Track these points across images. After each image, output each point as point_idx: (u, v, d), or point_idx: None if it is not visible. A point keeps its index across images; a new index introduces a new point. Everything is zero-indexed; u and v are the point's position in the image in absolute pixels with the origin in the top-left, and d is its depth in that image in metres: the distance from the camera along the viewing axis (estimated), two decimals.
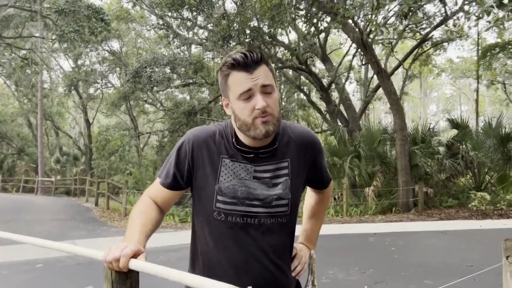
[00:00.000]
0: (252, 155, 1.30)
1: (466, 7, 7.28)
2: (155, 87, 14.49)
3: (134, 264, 1.08)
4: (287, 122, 1.42)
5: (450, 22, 11.19)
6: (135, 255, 1.10)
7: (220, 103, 17.11)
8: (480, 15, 5.58)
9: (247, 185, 1.27)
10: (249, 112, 1.22)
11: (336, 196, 11.97)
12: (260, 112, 1.21)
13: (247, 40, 12.30)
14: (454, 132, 13.44)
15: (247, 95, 1.22)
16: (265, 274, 1.27)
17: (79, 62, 25.82)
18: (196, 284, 0.95)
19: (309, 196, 1.58)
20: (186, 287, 1.36)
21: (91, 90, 26.84)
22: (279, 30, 14.33)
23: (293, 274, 1.38)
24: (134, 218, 1.30)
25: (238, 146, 1.30)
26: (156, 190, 1.38)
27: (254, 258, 1.27)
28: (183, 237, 7.95)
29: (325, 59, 16.37)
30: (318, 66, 22.30)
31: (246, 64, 1.21)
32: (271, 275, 1.28)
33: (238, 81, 1.22)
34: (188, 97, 23.99)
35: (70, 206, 15.21)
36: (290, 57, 16.34)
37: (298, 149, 1.35)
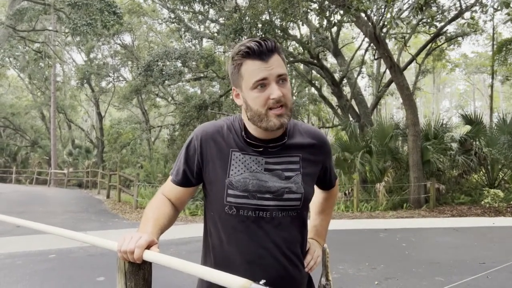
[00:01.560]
0: (261, 149, 1.29)
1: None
2: (166, 81, 14.52)
3: (148, 256, 1.08)
4: (296, 121, 1.41)
5: (466, 15, 11.01)
6: (148, 246, 1.10)
7: (231, 97, 17.13)
8: (499, 7, 5.47)
9: (258, 178, 1.26)
10: (263, 102, 1.20)
11: (347, 192, 11.92)
12: (275, 102, 1.19)
13: (259, 34, 12.25)
14: (468, 128, 13.27)
15: (262, 84, 1.20)
16: (278, 267, 1.26)
17: (92, 55, 26.02)
18: (210, 277, 0.94)
19: (317, 193, 1.56)
20: (199, 280, 1.37)
21: (103, 84, 27.07)
22: (291, 23, 14.25)
23: (307, 269, 1.37)
24: (148, 213, 1.30)
25: (247, 139, 1.29)
26: (169, 187, 1.39)
27: (267, 252, 1.25)
28: (193, 230, 8.00)
29: (337, 54, 16.24)
30: (330, 61, 22.19)
31: (261, 52, 1.19)
32: (284, 269, 1.27)
33: (253, 70, 1.20)
34: (199, 91, 24.04)
35: (82, 198, 15.39)
36: (302, 51, 16.26)
37: (310, 147, 1.35)
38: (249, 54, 1.20)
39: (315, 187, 1.51)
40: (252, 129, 1.29)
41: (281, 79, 1.21)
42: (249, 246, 1.26)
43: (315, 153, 1.36)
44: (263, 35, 12.31)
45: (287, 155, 1.31)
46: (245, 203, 1.25)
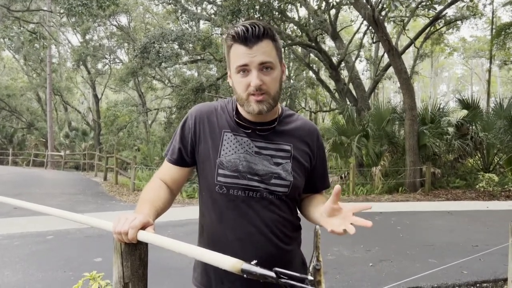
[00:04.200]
0: (250, 130, 1.30)
1: None
2: (163, 63, 14.39)
3: (143, 236, 1.09)
4: (295, 112, 1.43)
5: None
6: (144, 227, 1.12)
7: (228, 80, 17.07)
8: None
9: (248, 160, 1.27)
10: (244, 87, 1.22)
11: (343, 175, 11.99)
12: (254, 89, 1.20)
13: (256, 15, 12.11)
14: (464, 112, 13.30)
15: (244, 69, 1.21)
16: (269, 246, 1.28)
17: (87, 37, 25.72)
18: (202, 257, 0.96)
19: (304, 205, 1.41)
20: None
21: (100, 66, 26.83)
22: (289, 5, 14.09)
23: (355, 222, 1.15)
24: (144, 195, 1.32)
25: (237, 120, 1.31)
26: (164, 169, 1.40)
27: (257, 231, 1.27)
28: (190, 212, 8.06)
29: (335, 37, 16.11)
30: (328, 44, 22.01)
31: (246, 38, 1.19)
32: (274, 246, 1.28)
33: (237, 54, 1.21)
34: (196, 74, 23.89)
35: (80, 181, 15.41)
36: (300, 33, 16.11)
37: (302, 139, 1.35)
38: (235, 38, 1.21)
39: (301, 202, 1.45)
40: (242, 110, 1.31)
41: (264, 66, 1.20)
42: (240, 224, 1.27)
43: (307, 145, 1.36)
44: (260, 17, 12.17)
45: (279, 142, 1.31)
46: (235, 183, 1.27)
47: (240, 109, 1.32)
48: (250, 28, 1.18)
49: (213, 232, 1.32)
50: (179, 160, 1.37)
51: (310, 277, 0.81)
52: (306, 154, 1.35)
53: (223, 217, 1.29)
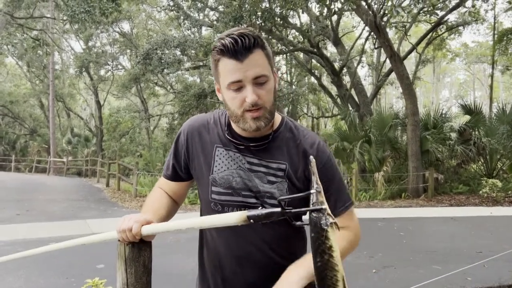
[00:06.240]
0: (242, 147, 1.22)
1: None
2: (165, 69, 14.42)
3: (147, 230, 1.10)
4: (295, 124, 1.29)
5: (467, 3, 10.94)
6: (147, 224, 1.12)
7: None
8: None
9: (241, 176, 1.21)
10: (239, 104, 1.12)
11: (346, 181, 11.96)
12: (250, 105, 1.10)
13: (258, 22, 12.16)
14: (467, 118, 13.27)
15: (237, 85, 1.11)
16: (270, 263, 1.22)
17: (90, 43, 25.82)
18: (205, 223, 1.07)
19: None
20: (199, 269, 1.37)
21: (102, 72, 26.91)
22: (291, 11, 14.15)
23: None
24: (148, 203, 1.32)
25: (228, 137, 1.23)
26: (162, 182, 1.39)
27: (256, 249, 1.22)
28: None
29: (337, 42, 16.15)
30: (330, 50, 22.07)
31: (236, 52, 1.08)
32: (276, 264, 1.21)
33: (228, 69, 1.11)
34: (198, 80, 23.93)
35: (82, 187, 15.42)
36: (302, 39, 16.16)
37: (303, 159, 1.21)
38: (223, 52, 1.10)
39: None
40: (235, 125, 1.23)
41: (259, 80, 1.11)
42: (237, 243, 1.23)
43: (307, 168, 1.19)
44: (262, 23, 12.21)
45: (273, 161, 1.21)
46: (230, 200, 1.21)
47: (233, 124, 1.23)
48: (239, 40, 1.07)
49: (212, 247, 1.29)
50: (174, 176, 1.35)
51: (313, 190, 0.89)
52: (305, 177, 1.21)
53: (220, 235, 1.25)
